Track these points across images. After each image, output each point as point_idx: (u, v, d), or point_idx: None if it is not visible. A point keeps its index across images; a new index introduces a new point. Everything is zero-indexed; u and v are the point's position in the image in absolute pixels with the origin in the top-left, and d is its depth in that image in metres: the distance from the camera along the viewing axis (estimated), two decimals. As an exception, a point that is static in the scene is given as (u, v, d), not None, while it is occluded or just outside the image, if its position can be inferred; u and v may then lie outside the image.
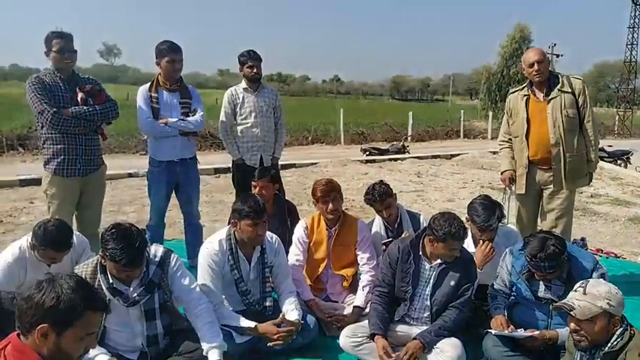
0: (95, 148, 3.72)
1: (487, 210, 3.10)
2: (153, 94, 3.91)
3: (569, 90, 3.66)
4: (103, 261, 2.34)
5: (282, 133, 4.60)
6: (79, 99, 3.56)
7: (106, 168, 3.94)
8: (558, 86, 3.67)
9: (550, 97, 3.68)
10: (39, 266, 2.76)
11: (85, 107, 3.55)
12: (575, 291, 2.16)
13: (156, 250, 2.52)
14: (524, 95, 3.79)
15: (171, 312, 2.59)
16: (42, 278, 1.59)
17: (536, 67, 3.63)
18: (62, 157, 3.56)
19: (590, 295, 2.09)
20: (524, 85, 3.86)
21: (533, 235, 2.70)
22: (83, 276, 2.33)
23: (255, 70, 4.34)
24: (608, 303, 2.06)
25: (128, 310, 2.41)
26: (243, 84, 4.44)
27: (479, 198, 3.26)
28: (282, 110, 4.60)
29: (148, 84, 3.99)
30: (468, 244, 3.19)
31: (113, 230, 2.28)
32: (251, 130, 4.36)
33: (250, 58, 4.34)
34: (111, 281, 2.36)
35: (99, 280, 2.36)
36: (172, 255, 2.55)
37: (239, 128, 4.40)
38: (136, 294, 2.39)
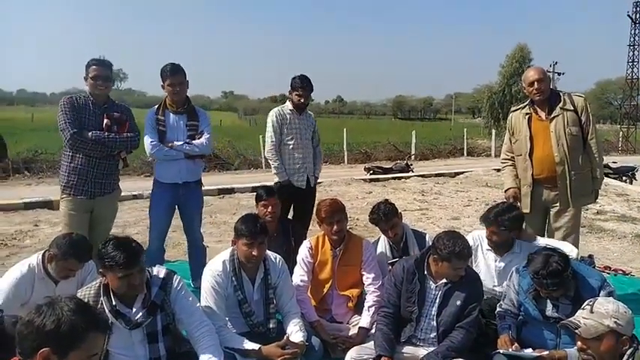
0: (109, 173, 3.81)
1: (501, 209, 3.23)
2: (160, 117, 3.94)
3: (572, 108, 3.67)
4: (104, 280, 2.34)
5: (320, 155, 4.76)
6: (103, 124, 3.70)
7: (119, 192, 4.03)
8: (560, 104, 3.68)
9: (552, 116, 3.69)
10: (46, 285, 2.81)
11: (106, 133, 3.68)
12: (583, 309, 2.13)
13: (158, 272, 2.51)
14: (527, 114, 3.79)
15: (174, 335, 2.55)
16: (42, 302, 1.58)
17: (536, 85, 3.66)
18: (73, 176, 3.70)
19: (597, 314, 2.05)
20: (525, 104, 3.87)
21: (538, 252, 2.70)
22: (86, 298, 2.33)
23: (302, 100, 4.46)
24: (615, 322, 2.02)
25: (131, 332, 2.39)
26: (289, 105, 4.53)
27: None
28: (319, 134, 4.77)
29: (156, 107, 4.02)
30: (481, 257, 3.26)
31: (107, 241, 2.33)
32: (297, 152, 4.46)
33: (302, 87, 4.43)
34: (114, 303, 2.35)
35: (101, 303, 2.34)
36: (175, 276, 2.54)
37: (285, 149, 4.45)
38: (138, 316, 2.37)
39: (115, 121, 3.74)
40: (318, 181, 4.90)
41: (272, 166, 4.53)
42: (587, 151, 3.72)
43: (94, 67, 3.66)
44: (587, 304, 2.12)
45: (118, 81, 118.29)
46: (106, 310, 2.33)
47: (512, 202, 3.92)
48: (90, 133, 3.62)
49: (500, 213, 3.19)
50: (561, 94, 3.78)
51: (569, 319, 2.15)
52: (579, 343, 2.10)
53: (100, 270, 2.34)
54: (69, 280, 2.85)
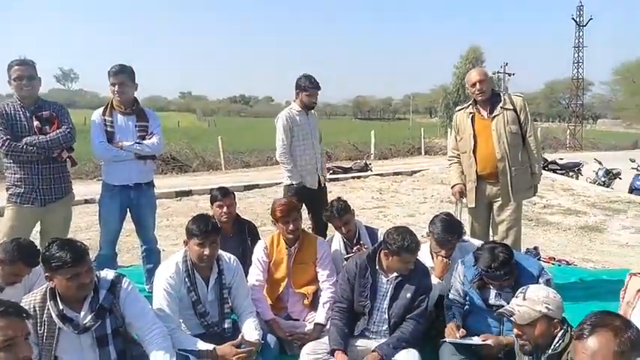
0: (57, 177, 3.69)
1: (447, 226, 3.19)
2: (107, 118, 3.85)
3: (511, 107, 3.87)
4: (51, 284, 2.30)
5: (323, 154, 4.81)
6: (34, 127, 3.56)
7: (72, 197, 3.92)
8: (500, 104, 3.88)
9: (494, 115, 3.88)
10: None
11: (36, 136, 3.54)
12: (516, 297, 2.26)
13: (106, 275, 2.47)
14: (470, 113, 3.97)
15: (126, 338, 2.52)
16: None
17: (478, 86, 3.84)
18: (19, 185, 3.57)
19: (530, 301, 2.19)
20: (469, 104, 4.05)
21: (481, 249, 2.82)
22: (31, 304, 2.29)
23: (313, 100, 4.45)
24: (546, 307, 2.16)
25: (79, 337, 2.35)
26: (297, 107, 4.46)
27: (441, 214, 3.34)
28: (321, 133, 4.79)
29: (102, 107, 3.93)
30: (425, 259, 3.28)
31: (50, 243, 2.29)
32: (307, 153, 4.44)
33: (314, 87, 4.39)
34: (61, 307, 2.30)
35: (48, 308, 2.30)
36: (124, 279, 2.50)
37: (296, 151, 4.41)
38: (86, 320, 2.33)
39: (46, 121, 3.62)
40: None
41: (285, 169, 4.42)
42: (527, 148, 3.93)
43: (16, 67, 3.53)
44: (520, 292, 2.26)
45: (68, 81, 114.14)
46: (53, 315, 2.29)
47: (458, 197, 4.11)
48: (24, 140, 3.50)
49: (445, 233, 3.17)
50: (502, 94, 3.99)
51: (505, 307, 2.29)
52: (515, 329, 2.24)
53: (47, 274, 2.29)
54: (15, 287, 2.76)
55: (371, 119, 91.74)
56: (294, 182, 4.39)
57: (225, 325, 2.92)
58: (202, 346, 2.71)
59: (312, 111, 4.63)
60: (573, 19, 36.78)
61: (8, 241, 2.78)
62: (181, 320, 2.88)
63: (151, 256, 4.20)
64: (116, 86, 3.81)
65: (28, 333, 1.69)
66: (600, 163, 13.29)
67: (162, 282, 2.80)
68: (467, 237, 3.59)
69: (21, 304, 2.04)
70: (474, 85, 3.85)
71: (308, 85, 4.38)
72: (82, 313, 2.34)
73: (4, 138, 3.46)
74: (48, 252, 2.25)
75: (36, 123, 3.57)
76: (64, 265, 2.22)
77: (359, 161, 15.95)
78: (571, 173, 14.11)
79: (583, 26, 36.72)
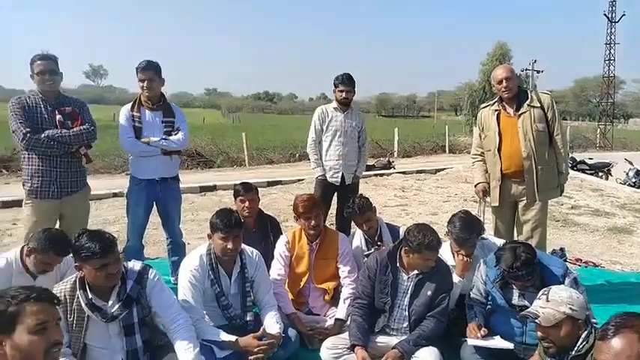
0: (74, 171, 3.72)
1: (465, 225, 3.16)
2: (135, 114, 3.94)
3: (538, 105, 3.79)
4: (81, 273, 2.38)
5: (364, 154, 4.83)
6: (57, 121, 3.61)
7: (89, 190, 3.95)
8: (527, 101, 3.80)
9: (520, 112, 3.80)
10: (24, 279, 2.82)
11: (58, 130, 3.59)
12: (539, 299, 2.23)
13: (133, 265, 2.55)
14: (495, 110, 3.91)
15: (152, 327, 2.60)
16: None
17: (504, 83, 3.77)
18: (37, 178, 3.60)
19: (553, 302, 2.16)
20: (494, 101, 3.99)
21: (502, 249, 2.78)
22: (62, 293, 2.38)
23: (344, 95, 4.56)
24: (570, 308, 2.13)
25: (107, 325, 2.43)
26: (334, 104, 4.65)
27: (459, 213, 3.32)
28: (366, 133, 4.85)
29: (130, 103, 4.02)
30: (447, 257, 3.26)
31: (79, 234, 2.37)
32: (335, 148, 4.56)
33: (342, 83, 4.55)
34: (90, 296, 2.38)
35: (77, 297, 2.38)
36: (150, 270, 2.58)
37: (324, 145, 4.58)
38: (114, 309, 2.41)
39: (68, 116, 3.66)
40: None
41: (311, 160, 4.68)
42: (554, 147, 3.85)
43: (38, 62, 3.56)
44: (543, 294, 2.23)
45: (98, 78, 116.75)
46: (83, 304, 2.37)
47: (481, 196, 4.06)
48: (45, 133, 3.53)
49: (464, 232, 3.15)
50: (528, 91, 3.92)
51: (529, 309, 2.26)
52: (539, 332, 2.21)
53: (77, 264, 2.37)
54: (48, 275, 2.86)
55: (395, 116, 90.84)
56: (318, 175, 4.58)
57: (248, 318, 2.98)
58: (225, 337, 2.77)
59: (356, 110, 4.75)
60: (605, 14, 35.67)
61: (40, 230, 2.87)
62: (205, 312, 2.94)
63: (176, 249, 4.29)
64: (145, 82, 3.89)
65: (59, 318, 1.76)
66: (631, 163, 12.90)
67: (186, 274, 2.87)
68: (487, 234, 3.54)
69: (52, 292, 2.13)
70: (500, 82, 3.80)
71: (340, 82, 4.53)
72: (110, 303, 2.42)
73: (25, 131, 3.48)
74: (78, 242, 2.33)
75: (58, 117, 3.61)
76: (93, 255, 2.29)
77: (382, 159, 15.89)
78: (600, 173, 13.74)
79: (615, 22, 35.53)
